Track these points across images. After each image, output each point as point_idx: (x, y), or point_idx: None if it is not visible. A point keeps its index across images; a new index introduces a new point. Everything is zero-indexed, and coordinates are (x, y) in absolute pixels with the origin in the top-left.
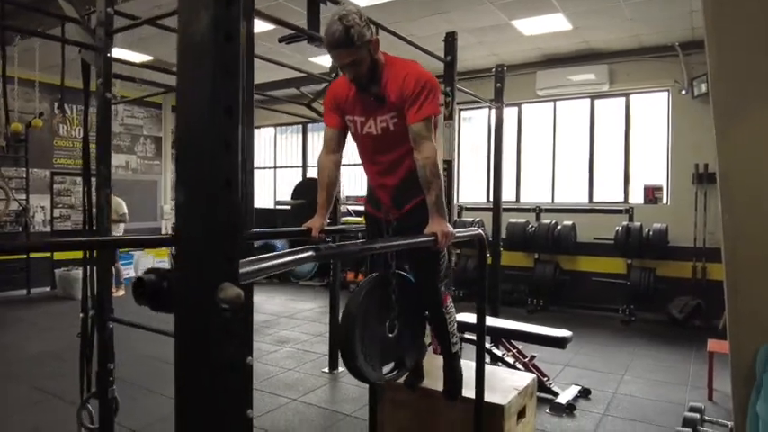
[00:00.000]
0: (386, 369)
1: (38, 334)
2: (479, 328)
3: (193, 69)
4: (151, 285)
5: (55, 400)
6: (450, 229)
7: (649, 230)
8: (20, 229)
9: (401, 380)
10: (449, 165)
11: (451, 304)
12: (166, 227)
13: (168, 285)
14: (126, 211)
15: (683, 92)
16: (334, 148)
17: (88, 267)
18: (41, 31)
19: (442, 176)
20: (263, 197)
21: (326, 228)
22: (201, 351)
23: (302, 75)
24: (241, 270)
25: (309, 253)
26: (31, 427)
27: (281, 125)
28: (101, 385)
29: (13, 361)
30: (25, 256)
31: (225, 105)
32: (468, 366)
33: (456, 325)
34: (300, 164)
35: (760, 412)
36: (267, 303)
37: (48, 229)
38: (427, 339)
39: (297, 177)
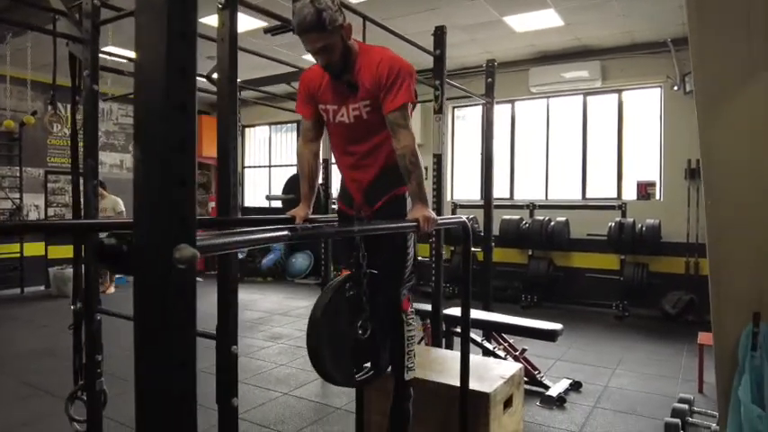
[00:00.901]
0: (364, 368)
1: (32, 331)
2: (464, 315)
3: (148, 29)
4: (111, 249)
5: (46, 396)
6: (433, 214)
7: (642, 226)
8: None
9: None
10: (438, 159)
11: (413, 317)
12: None
13: (128, 249)
14: (123, 209)
15: (675, 88)
16: (311, 137)
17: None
18: (31, 24)
19: (421, 163)
20: (259, 196)
21: (311, 216)
22: (158, 312)
23: (295, 70)
24: (215, 241)
25: (285, 232)
26: (20, 421)
27: (276, 124)
28: (89, 377)
29: (5, 357)
30: (19, 254)
31: (179, 66)
32: (455, 356)
33: (415, 348)
34: (295, 162)
35: (742, 397)
36: (262, 301)
37: None
38: (420, 334)
39: None
